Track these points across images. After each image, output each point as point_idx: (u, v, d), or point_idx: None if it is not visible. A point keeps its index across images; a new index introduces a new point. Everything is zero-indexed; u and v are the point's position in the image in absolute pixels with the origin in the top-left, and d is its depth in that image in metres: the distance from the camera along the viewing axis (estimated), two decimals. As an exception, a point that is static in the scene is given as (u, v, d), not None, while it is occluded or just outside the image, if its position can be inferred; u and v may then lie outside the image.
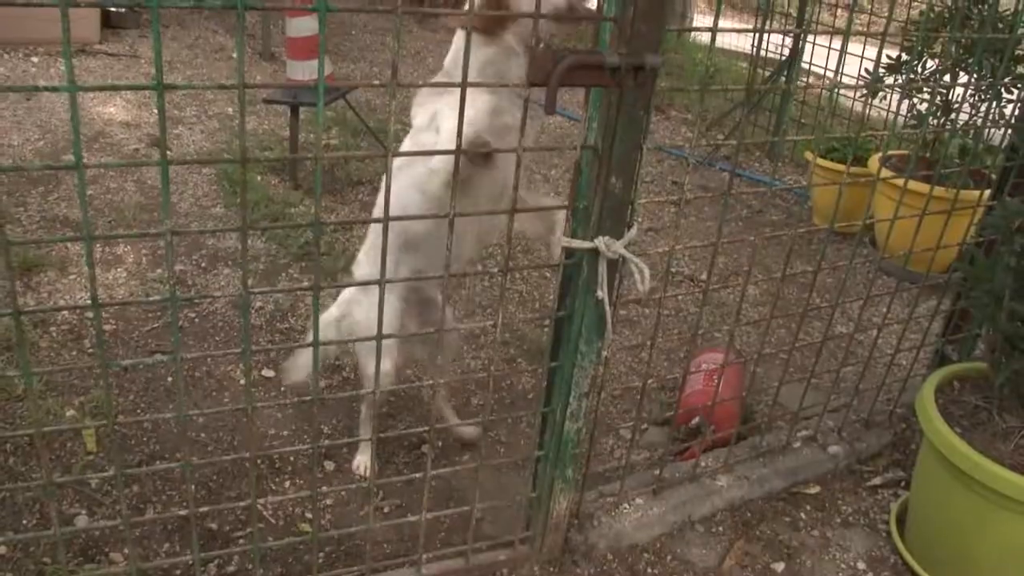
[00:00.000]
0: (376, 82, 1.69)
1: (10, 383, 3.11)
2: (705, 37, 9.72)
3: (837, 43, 6.17)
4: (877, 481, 3.08)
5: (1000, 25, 3.66)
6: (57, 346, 3.37)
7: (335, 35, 8.80)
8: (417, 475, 2.21)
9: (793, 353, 3.75)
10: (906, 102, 4.41)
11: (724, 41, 8.40)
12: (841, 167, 5.09)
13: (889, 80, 4.29)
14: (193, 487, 2.21)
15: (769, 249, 4.92)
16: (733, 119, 6.80)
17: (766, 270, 4.63)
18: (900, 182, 3.95)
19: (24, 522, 2.55)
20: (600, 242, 1.90)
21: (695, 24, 10.56)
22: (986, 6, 4.08)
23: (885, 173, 4.62)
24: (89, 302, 1.61)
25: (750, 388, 2.95)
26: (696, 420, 3.07)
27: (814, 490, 3.01)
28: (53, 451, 2.84)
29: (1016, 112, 2.89)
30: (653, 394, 3.49)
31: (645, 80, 1.75)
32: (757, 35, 6.34)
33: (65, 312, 3.55)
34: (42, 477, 1.77)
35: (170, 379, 3.28)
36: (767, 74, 6.61)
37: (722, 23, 12.47)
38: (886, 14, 6.15)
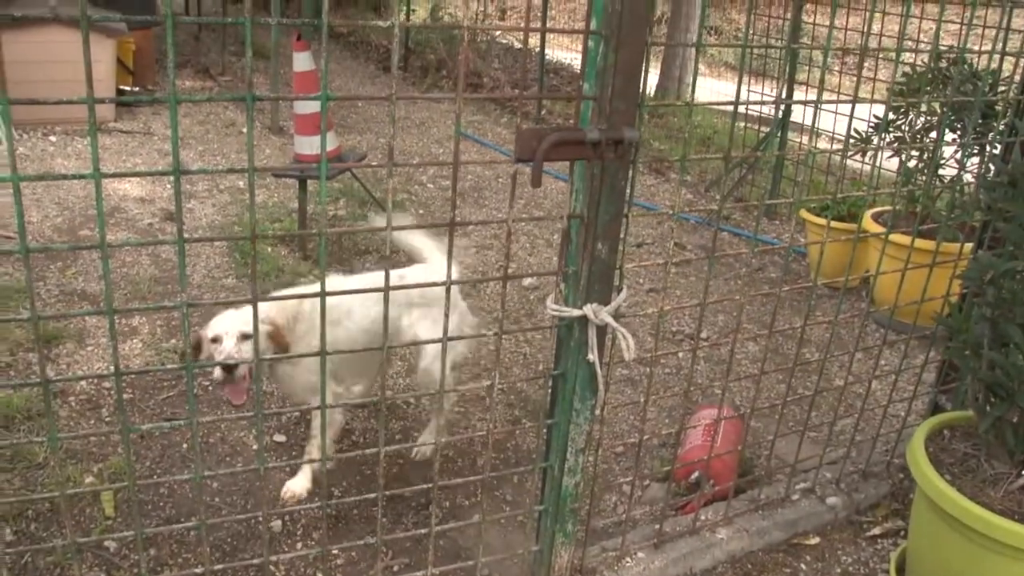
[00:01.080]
0: (375, 163, 1.81)
1: (31, 451, 3.20)
2: (702, 97, 9.89)
3: (830, 100, 6.29)
4: (876, 531, 3.11)
5: (978, 83, 3.79)
6: (76, 415, 3.47)
7: (341, 108, 9.02)
8: (423, 531, 2.28)
9: (789, 406, 3.83)
10: (895, 159, 4.53)
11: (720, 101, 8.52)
12: (834, 224, 5.20)
13: (875, 139, 4.41)
14: (208, 549, 2.29)
15: (768, 306, 5.00)
16: (732, 178, 6.93)
17: (764, 326, 4.70)
18: (891, 236, 4.05)
19: (45, 586, 2.63)
20: (588, 309, 1.99)
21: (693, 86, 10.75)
22: (965, 66, 4.22)
23: (876, 228, 4.72)
24: (108, 371, 1.72)
25: (747, 442, 2.99)
26: (695, 475, 3.11)
27: (814, 541, 3.04)
28: (73, 516, 2.92)
29: (983, 169, 3.00)
30: (654, 450, 3.52)
31: (624, 152, 1.87)
32: (740, 101, 6.49)
33: (83, 382, 3.66)
34: (65, 538, 1.86)
35: (185, 445, 3.36)
36: (763, 133, 6.76)
37: (720, 83, 12.69)
38: (875, 75, 6.32)
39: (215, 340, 2.83)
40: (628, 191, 1.95)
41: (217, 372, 2.77)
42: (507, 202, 6.89)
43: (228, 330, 2.82)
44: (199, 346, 2.90)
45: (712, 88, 12.16)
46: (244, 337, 2.81)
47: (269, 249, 5.25)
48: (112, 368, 1.73)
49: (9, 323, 3.96)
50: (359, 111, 8.92)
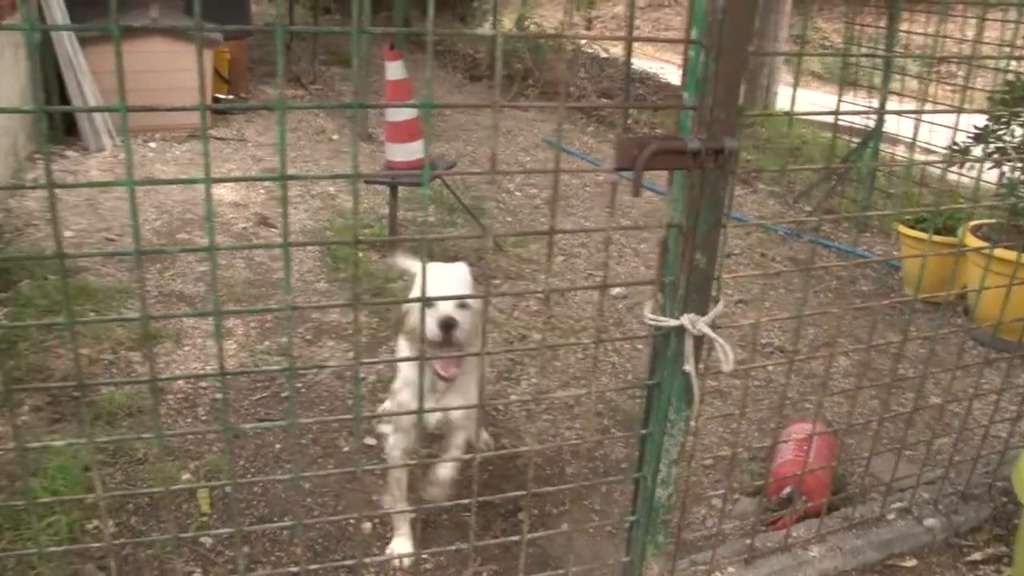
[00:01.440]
0: (475, 169, 1.82)
1: (132, 447, 3.30)
2: (789, 107, 9.71)
3: (933, 111, 6.13)
4: (977, 556, 3.00)
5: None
6: (174, 413, 3.57)
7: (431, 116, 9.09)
8: (514, 538, 2.28)
9: (884, 423, 3.73)
10: (995, 170, 4.39)
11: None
12: (934, 238, 5.06)
13: (976, 150, 4.28)
14: (302, 549, 2.34)
15: (859, 320, 4.89)
16: (822, 190, 6.80)
17: (857, 340, 4.60)
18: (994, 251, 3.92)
19: (145, 578, 2.71)
20: (686, 319, 1.97)
21: (779, 95, 10.61)
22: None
23: (975, 242, 4.58)
24: (208, 370, 1.76)
25: (841, 458, 2.93)
26: (787, 490, 3.07)
27: (910, 563, 2.96)
28: (170, 512, 3.01)
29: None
30: (744, 464, 3.49)
31: (724, 162, 1.85)
32: (840, 112, 6.36)
33: (181, 382, 3.76)
34: (165, 532, 1.91)
35: (278, 446, 3.41)
36: (854, 144, 6.62)
37: (806, 92, 12.47)
38: (973, 84, 6.13)
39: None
40: (727, 200, 1.93)
41: (432, 328, 2.53)
42: (594, 210, 6.94)
43: (450, 290, 2.65)
44: (401, 319, 2.75)
45: (799, 97, 11.93)
46: (461, 306, 2.60)
47: (360, 254, 5.32)
48: (215, 368, 1.78)
49: (114, 322, 4.08)
50: (446, 119, 9.00)
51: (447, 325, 2.52)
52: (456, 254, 5.47)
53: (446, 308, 2.56)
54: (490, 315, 4.57)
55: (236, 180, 1.71)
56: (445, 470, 2.84)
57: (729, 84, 1.83)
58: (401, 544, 2.90)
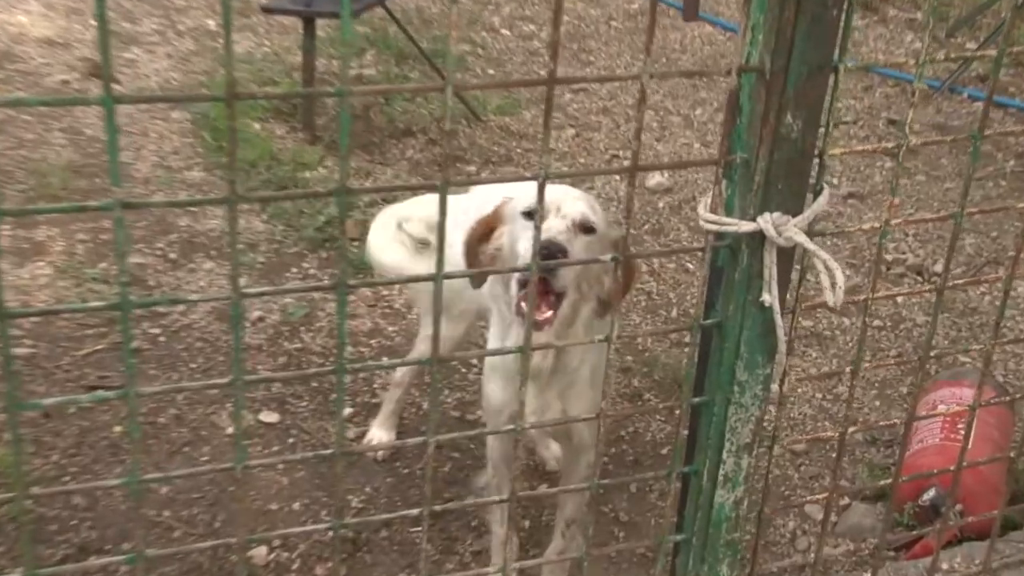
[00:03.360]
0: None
1: None
2: None
3: None
4: None
5: None
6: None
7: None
8: (489, 571, 2.20)
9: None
10: None
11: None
12: None
13: None
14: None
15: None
16: (994, 17, 6.69)
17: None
18: None
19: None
20: (766, 221, 1.83)
21: None
22: None
23: None
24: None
25: (1022, 445, 2.90)
26: (931, 494, 3.07)
27: None
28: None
29: None
30: (858, 451, 3.51)
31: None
32: None
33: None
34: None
35: (118, 428, 3.34)
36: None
37: None
38: None
39: (530, 215, 2.62)
40: (839, 32, 1.81)
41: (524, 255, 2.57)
42: (624, 56, 6.84)
43: (563, 204, 2.65)
44: (488, 230, 2.79)
45: None
46: (584, 229, 2.64)
47: (257, 126, 5.20)
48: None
49: None
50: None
51: (549, 253, 2.48)
52: (407, 125, 5.38)
53: (557, 227, 2.58)
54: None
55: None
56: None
57: None
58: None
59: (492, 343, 2.94)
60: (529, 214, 2.62)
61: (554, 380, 2.78)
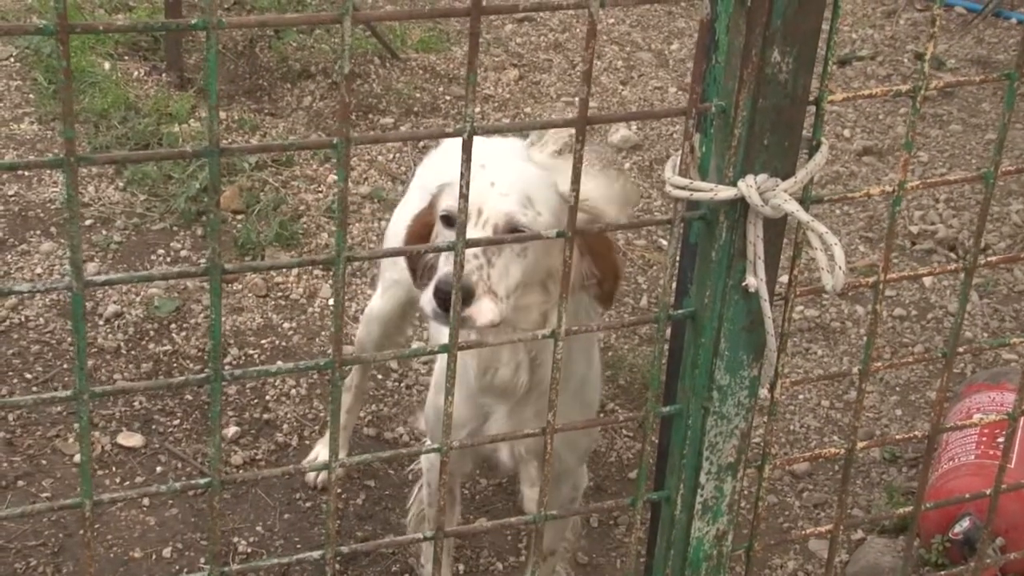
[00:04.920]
0: None
1: None
2: None
3: None
4: None
5: None
6: None
7: None
8: None
9: None
10: None
11: None
12: None
13: None
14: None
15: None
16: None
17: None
18: None
19: None
20: (749, 185, 1.86)
21: None
22: None
23: None
24: None
25: None
26: (964, 524, 3.10)
27: None
28: None
29: None
30: (874, 471, 3.53)
31: None
32: None
33: None
34: None
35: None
36: None
37: None
38: None
39: (449, 220, 2.73)
40: None
41: (426, 299, 2.65)
42: None
43: (486, 203, 2.71)
44: (427, 229, 2.90)
45: None
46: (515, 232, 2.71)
47: (107, 65, 5.19)
48: None
49: None
50: None
51: (447, 294, 2.54)
52: (304, 66, 5.36)
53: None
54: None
55: None
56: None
57: None
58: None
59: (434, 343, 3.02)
60: (448, 219, 2.72)
61: (531, 397, 2.84)
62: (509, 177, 2.77)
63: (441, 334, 2.88)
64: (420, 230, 2.88)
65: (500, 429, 2.88)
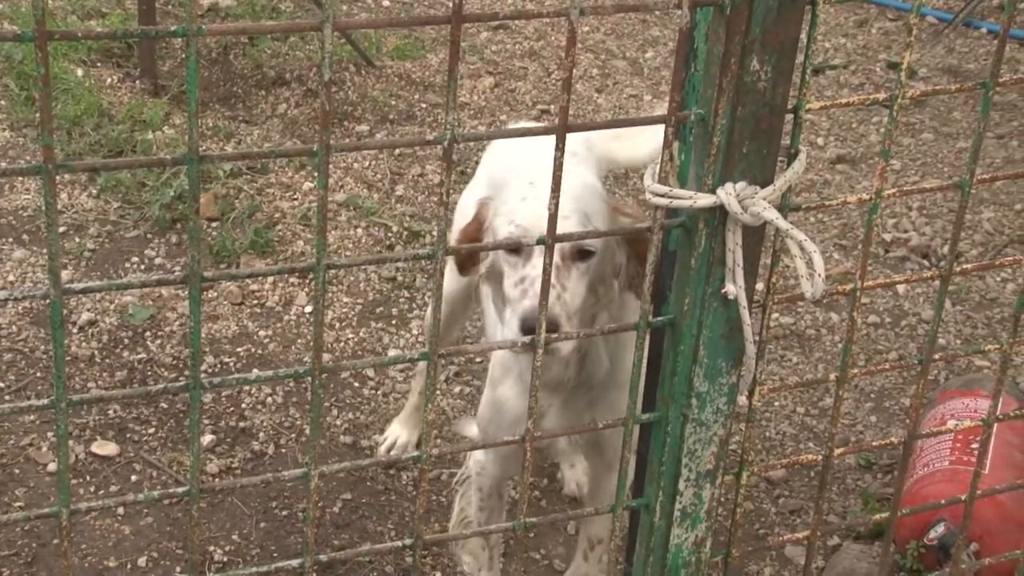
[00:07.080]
0: None
1: None
2: None
3: None
4: None
5: None
6: None
7: None
8: None
9: None
10: None
11: None
12: None
13: None
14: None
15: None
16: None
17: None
18: None
19: None
20: (728, 193, 1.86)
21: None
22: None
23: None
24: None
25: None
26: (939, 530, 3.12)
27: None
28: None
29: None
30: (849, 478, 3.55)
31: None
32: None
33: None
34: None
35: None
36: None
37: None
38: None
39: (512, 249, 2.82)
40: None
41: (512, 327, 2.75)
42: None
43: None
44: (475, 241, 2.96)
45: None
46: (580, 255, 2.79)
47: (79, 72, 5.19)
48: None
49: None
50: None
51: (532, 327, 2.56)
52: (281, 72, 5.36)
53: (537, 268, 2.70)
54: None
55: None
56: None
57: None
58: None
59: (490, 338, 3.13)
60: (512, 248, 2.79)
61: (581, 391, 2.94)
62: (565, 197, 2.81)
63: (497, 331, 2.99)
64: (467, 242, 2.93)
65: (556, 422, 2.97)
